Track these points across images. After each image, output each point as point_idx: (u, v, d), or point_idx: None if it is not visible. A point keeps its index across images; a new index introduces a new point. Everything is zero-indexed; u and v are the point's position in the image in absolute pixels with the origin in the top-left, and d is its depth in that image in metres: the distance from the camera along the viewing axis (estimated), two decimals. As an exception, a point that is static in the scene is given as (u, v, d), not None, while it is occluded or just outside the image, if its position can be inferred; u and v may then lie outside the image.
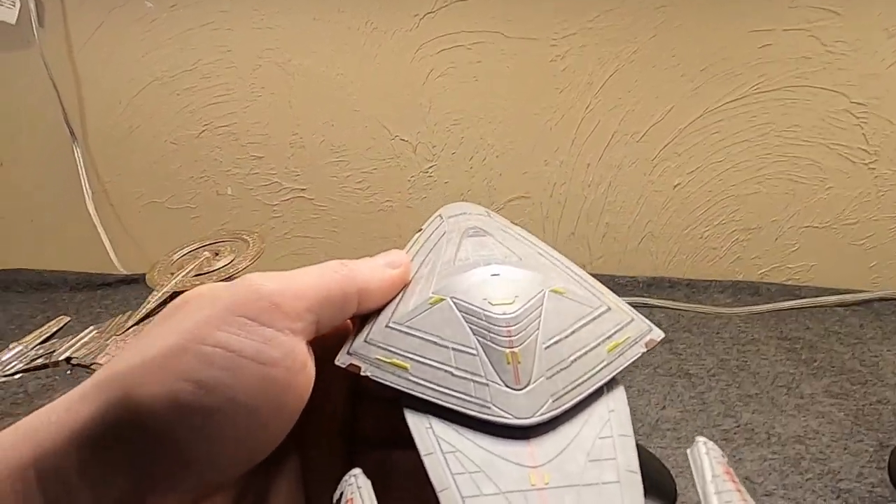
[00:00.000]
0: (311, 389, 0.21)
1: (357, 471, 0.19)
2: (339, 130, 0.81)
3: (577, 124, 0.76)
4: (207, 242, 0.56)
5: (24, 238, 0.88)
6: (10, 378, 0.45)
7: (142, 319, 0.47)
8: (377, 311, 0.24)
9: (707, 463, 0.19)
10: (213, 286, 0.22)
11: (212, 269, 0.52)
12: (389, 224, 0.83)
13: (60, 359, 0.44)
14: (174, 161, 0.84)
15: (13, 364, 0.45)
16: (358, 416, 0.26)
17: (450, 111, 0.78)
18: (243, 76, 0.80)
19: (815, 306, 0.71)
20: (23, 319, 0.71)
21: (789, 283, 0.78)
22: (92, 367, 0.42)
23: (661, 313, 0.70)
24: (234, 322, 0.19)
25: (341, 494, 0.19)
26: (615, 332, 0.23)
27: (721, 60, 0.72)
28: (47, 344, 0.47)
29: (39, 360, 0.45)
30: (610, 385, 0.22)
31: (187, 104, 0.82)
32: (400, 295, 0.24)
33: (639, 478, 0.20)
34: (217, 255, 0.54)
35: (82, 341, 0.45)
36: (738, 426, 0.51)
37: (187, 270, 0.51)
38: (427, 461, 0.20)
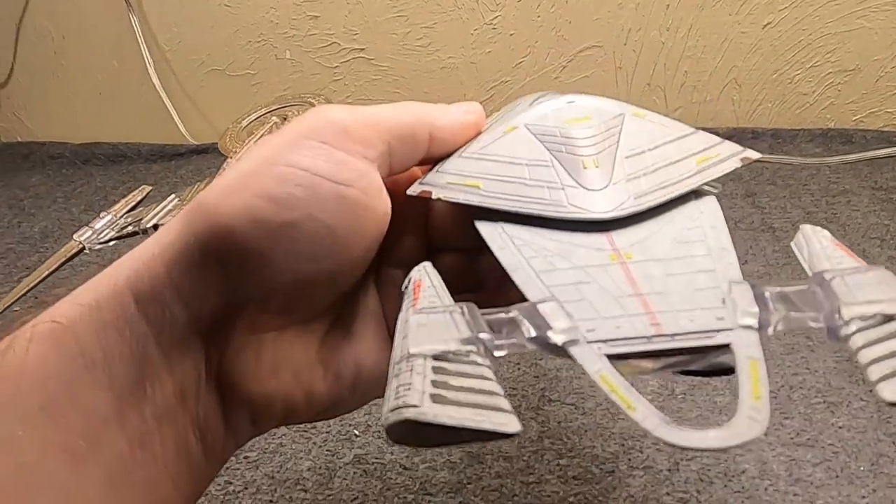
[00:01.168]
0: (388, 218, 0.21)
1: (427, 263, 0.20)
2: (396, -18, 0.76)
3: (656, -40, 0.69)
4: (275, 107, 0.55)
5: (95, 111, 0.89)
6: (105, 245, 0.47)
7: (219, 186, 0.48)
8: (449, 155, 0.23)
9: (815, 239, 0.18)
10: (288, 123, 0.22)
11: (281, 134, 0.51)
12: (453, 82, 0.80)
13: (149, 226, 0.45)
14: (230, 25, 0.82)
15: (106, 232, 0.47)
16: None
17: (515, -47, 0.72)
18: (293, -73, 0.76)
19: (916, 153, 0.66)
20: (106, 191, 0.74)
21: (886, 129, 0.72)
22: (178, 233, 0.44)
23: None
24: (306, 145, 0.20)
25: (409, 280, 0.19)
26: (705, 149, 0.22)
27: None
28: (134, 212, 0.49)
29: (129, 228, 0.47)
30: (699, 195, 0.21)
31: (238, -38, 0.78)
32: (472, 140, 0.24)
33: (733, 255, 0.19)
34: (285, 119, 0.53)
35: (166, 209, 0.47)
36: (825, 279, 0.49)
37: (258, 136, 0.51)
38: (499, 254, 0.20)
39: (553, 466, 0.35)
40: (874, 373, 0.15)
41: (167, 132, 0.85)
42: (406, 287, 0.19)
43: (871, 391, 0.38)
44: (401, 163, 0.22)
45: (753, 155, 0.22)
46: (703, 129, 0.68)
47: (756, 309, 0.17)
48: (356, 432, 0.39)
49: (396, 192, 0.23)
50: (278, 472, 0.37)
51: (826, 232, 0.19)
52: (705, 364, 0.18)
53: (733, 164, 0.21)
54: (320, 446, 0.38)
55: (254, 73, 0.84)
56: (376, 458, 0.37)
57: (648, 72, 0.75)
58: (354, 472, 0.36)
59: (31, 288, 0.45)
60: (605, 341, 0.16)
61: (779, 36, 0.71)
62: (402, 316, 0.18)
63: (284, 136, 0.20)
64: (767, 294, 0.17)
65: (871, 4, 0.67)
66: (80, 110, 0.90)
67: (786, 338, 0.43)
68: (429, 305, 0.18)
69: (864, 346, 0.15)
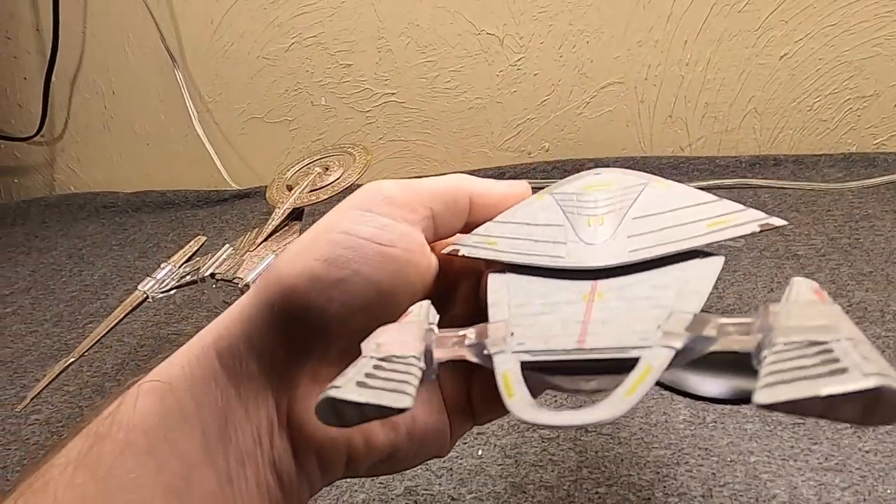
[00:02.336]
0: (432, 273, 0.25)
1: (426, 301, 0.22)
2: (424, 30, 0.80)
3: (672, -1, 0.72)
4: (316, 158, 0.59)
5: (144, 161, 0.95)
6: (166, 294, 0.51)
7: (269, 235, 0.51)
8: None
9: (796, 289, 0.18)
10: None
11: (324, 183, 0.55)
12: (480, 121, 0.84)
13: (206, 275, 0.49)
14: (269, 76, 0.87)
15: (167, 281, 0.51)
16: None
17: (536, -2, 0.76)
18: (325, -17, 0.80)
19: (938, 175, 0.67)
20: (158, 237, 0.79)
21: (909, 151, 0.73)
22: (234, 280, 0.47)
23: (765, 193, 0.69)
24: (355, 214, 0.23)
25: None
26: (722, 215, 0.22)
27: None
28: (191, 262, 0.53)
29: (188, 277, 0.50)
30: (706, 255, 0.21)
31: (275, 17, 0.83)
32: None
33: (701, 300, 0.19)
34: (327, 169, 0.57)
35: (222, 258, 0.50)
36: (850, 305, 0.51)
37: (302, 187, 0.55)
38: (491, 297, 0.22)
39: (592, 495, 0.38)
40: (761, 381, 0.14)
41: (211, 178, 0.90)
42: None
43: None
44: (445, 226, 0.25)
45: (777, 222, 0.21)
46: (726, 157, 0.70)
47: (683, 332, 0.17)
48: (405, 465, 0.41)
49: (448, 258, 0.26)
50: (335, 504, 0.39)
51: (814, 283, 0.18)
52: (615, 385, 0.17)
53: (750, 228, 0.21)
54: (373, 479, 0.41)
55: (291, 119, 0.89)
56: (425, 490, 0.40)
57: (670, 104, 0.78)
58: (406, 503, 0.39)
59: (103, 336, 0.49)
60: (527, 351, 0.18)
61: (796, 65, 0.73)
62: None
63: (339, 209, 0.24)
64: (710, 324, 0.17)
65: (886, 32, 0.69)
66: (130, 161, 0.95)
67: (812, 365, 0.45)
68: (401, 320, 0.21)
69: (771, 363, 0.15)
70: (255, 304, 0.23)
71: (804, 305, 0.17)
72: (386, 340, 0.19)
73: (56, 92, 0.93)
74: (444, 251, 0.25)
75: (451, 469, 0.41)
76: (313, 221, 0.25)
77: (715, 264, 0.21)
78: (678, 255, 0.21)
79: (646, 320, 0.18)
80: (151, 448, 0.21)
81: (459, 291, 0.27)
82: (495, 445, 0.42)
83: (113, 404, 0.22)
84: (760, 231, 0.21)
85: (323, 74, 0.85)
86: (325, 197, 0.55)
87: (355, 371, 0.18)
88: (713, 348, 0.17)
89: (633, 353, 0.17)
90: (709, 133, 0.78)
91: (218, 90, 0.89)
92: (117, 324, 0.50)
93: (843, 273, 0.54)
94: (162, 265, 0.53)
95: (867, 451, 0.38)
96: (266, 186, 0.58)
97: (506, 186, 0.26)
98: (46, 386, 0.48)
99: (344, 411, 0.17)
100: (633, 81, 0.77)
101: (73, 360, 0.48)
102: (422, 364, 0.19)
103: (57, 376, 0.48)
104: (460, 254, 0.25)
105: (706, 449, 0.40)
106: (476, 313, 0.28)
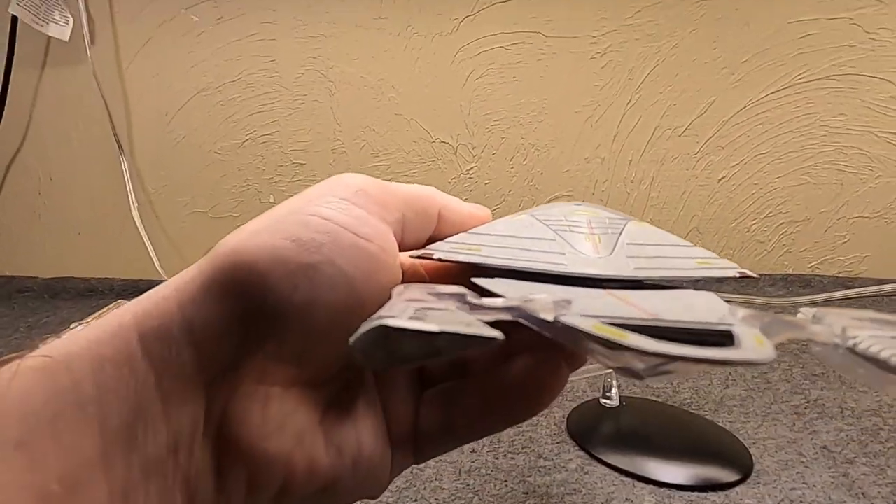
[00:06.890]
0: (399, 281, 0.21)
1: None
2: (379, 135, 0.82)
3: (618, 120, 0.77)
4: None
5: (71, 248, 0.89)
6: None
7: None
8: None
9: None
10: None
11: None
12: (430, 228, 0.83)
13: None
14: (218, 171, 0.85)
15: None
16: None
17: (489, 112, 0.79)
18: (286, 85, 0.82)
19: (872, 295, 0.69)
20: (71, 322, 0.72)
21: (841, 275, 0.76)
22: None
23: (711, 306, 0.69)
24: (330, 200, 0.21)
25: None
26: (705, 258, 0.23)
27: (763, 52, 0.72)
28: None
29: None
30: (698, 290, 0.21)
31: (231, 114, 0.84)
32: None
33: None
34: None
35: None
36: (807, 402, 0.49)
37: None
38: (494, 288, 0.19)
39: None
40: (885, 353, 0.15)
41: (142, 268, 0.85)
42: None
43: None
44: (412, 235, 0.23)
45: (750, 273, 0.23)
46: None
47: (761, 315, 0.17)
48: None
49: (414, 268, 0.24)
50: None
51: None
52: (698, 370, 0.18)
53: (732, 272, 0.22)
54: None
55: (236, 215, 0.86)
56: None
57: (616, 220, 0.80)
58: None
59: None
60: (598, 317, 0.16)
61: (733, 189, 0.77)
62: None
63: (306, 195, 0.21)
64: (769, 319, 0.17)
65: (813, 163, 0.74)
66: (56, 246, 0.90)
67: (778, 454, 0.42)
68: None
69: (871, 345, 0.16)
70: (199, 281, 0.19)
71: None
72: (408, 292, 0.17)
73: (-12, 173, 0.89)
74: (413, 255, 0.23)
75: None
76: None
77: (712, 296, 0.21)
78: (674, 286, 0.21)
79: (709, 308, 0.18)
80: (25, 439, 0.16)
81: None
82: None
83: None
84: (739, 277, 0.22)
85: (274, 172, 0.85)
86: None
87: (399, 309, 0.15)
88: (794, 334, 0.17)
89: (721, 328, 0.16)
90: (653, 250, 0.80)
91: (162, 182, 0.87)
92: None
93: (797, 373, 0.53)
94: (72, 326, 0.48)
95: None
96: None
97: (473, 207, 0.25)
98: None
99: (399, 346, 0.14)
100: (581, 195, 0.79)
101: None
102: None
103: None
104: (435, 257, 0.22)
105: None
106: None
